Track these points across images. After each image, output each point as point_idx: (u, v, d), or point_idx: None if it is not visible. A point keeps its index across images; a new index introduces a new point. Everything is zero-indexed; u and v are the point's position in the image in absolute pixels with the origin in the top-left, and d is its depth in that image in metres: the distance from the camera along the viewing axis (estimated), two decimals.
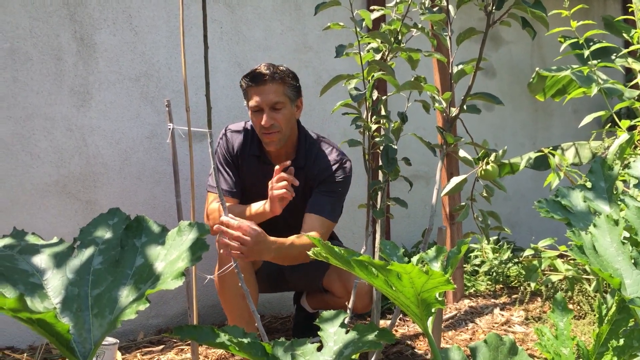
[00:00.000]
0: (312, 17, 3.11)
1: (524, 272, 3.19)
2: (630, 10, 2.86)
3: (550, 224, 3.86)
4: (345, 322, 1.17)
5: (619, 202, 1.32)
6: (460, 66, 1.80)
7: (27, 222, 2.47)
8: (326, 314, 1.19)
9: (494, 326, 2.76)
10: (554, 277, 2.84)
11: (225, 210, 1.78)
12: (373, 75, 1.77)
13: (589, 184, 1.39)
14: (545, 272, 2.93)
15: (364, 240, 1.92)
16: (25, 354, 2.38)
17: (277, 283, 2.48)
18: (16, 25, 2.46)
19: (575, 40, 2.73)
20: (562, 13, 2.60)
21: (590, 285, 2.77)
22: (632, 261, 1.08)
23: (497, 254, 3.37)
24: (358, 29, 1.71)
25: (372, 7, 1.86)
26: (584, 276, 2.83)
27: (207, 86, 1.61)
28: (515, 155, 3.41)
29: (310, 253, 1.11)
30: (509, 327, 2.76)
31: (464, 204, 1.89)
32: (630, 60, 2.97)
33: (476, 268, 3.43)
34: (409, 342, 2.56)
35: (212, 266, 2.26)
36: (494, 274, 3.32)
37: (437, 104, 1.85)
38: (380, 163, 1.84)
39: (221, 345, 1.04)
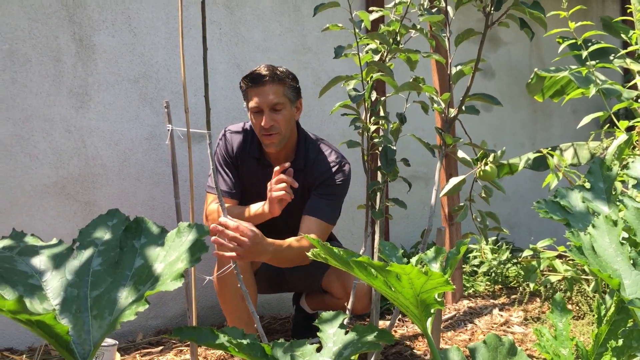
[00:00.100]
0: (311, 18, 3.11)
1: (523, 273, 3.19)
2: (628, 11, 2.87)
3: (549, 224, 3.87)
4: (345, 323, 1.17)
5: (618, 203, 1.32)
6: (459, 67, 1.80)
7: (26, 224, 2.47)
8: (325, 314, 1.19)
9: (493, 327, 2.76)
10: (553, 278, 2.84)
11: (224, 211, 1.78)
12: (372, 76, 1.77)
13: (587, 185, 1.39)
14: (544, 273, 2.93)
15: (363, 241, 1.92)
16: (24, 356, 2.38)
17: (276, 284, 2.48)
18: (15, 26, 2.46)
19: (574, 41, 2.73)
20: (561, 14, 2.61)
21: (589, 286, 2.78)
22: (631, 262, 1.08)
23: (496, 255, 3.37)
24: (357, 30, 1.71)
25: (370, 8, 1.86)
26: (583, 277, 2.83)
27: (206, 87, 1.61)
28: (515, 156, 3.41)
29: (309, 254, 1.11)
30: (508, 327, 2.76)
31: (462, 204, 1.90)
32: (628, 60, 2.97)
33: (475, 269, 3.44)
34: (408, 343, 2.56)
35: (211, 267, 2.26)
36: (493, 274, 3.32)
37: (435, 105, 1.86)
38: (379, 164, 1.84)
39: (220, 346, 1.04)
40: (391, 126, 1.90)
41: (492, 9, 1.70)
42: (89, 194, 2.61)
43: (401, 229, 3.56)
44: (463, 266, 3.33)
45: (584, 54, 2.67)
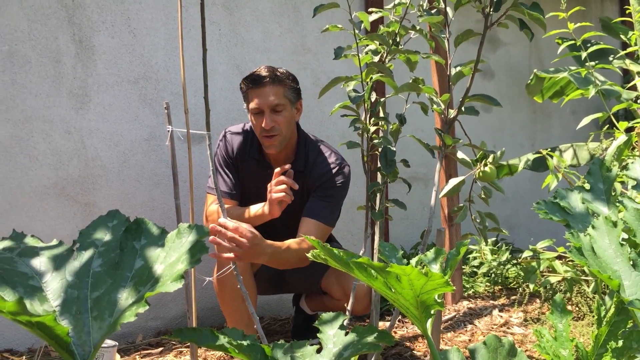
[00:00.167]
0: (311, 19, 3.11)
1: (522, 274, 3.19)
2: (627, 11, 2.87)
3: (548, 225, 3.87)
4: (345, 324, 1.17)
5: (618, 204, 1.32)
6: (459, 68, 1.80)
7: (26, 225, 2.47)
8: (325, 316, 1.19)
9: (492, 327, 2.76)
10: (553, 279, 2.84)
11: (224, 212, 1.79)
12: (371, 77, 1.77)
13: (587, 186, 1.39)
14: (544, 274, 2.93)
15: (363, 242, 1.93)
16: (24, 357, 2.38)
17: (276, 285, 2.48)
18: (14, 27, 2.46)
19: (573, 42, 2.73)
20: (560, 15, 2.61)
21: (588, 287, 2.78)
22: (631, 263, 1.08)
23: (496, 256, 3.37)
24: (356, 31, 1.72)
25: (370, 9, 1.87)
26: (583, 277, 2.83)
27: (205, 88, 1.61)
28: (514, 157, 3.41)
29: (309, 255, 1.11)
30: (508, 328, 2.76)
31: (462, 205, 1.90)
32: (627, 61, 2.98)
33: (475, 269, 3.44)
34: (408, 344, 2.56)
35: (211, 268, 2.26)
36: (493, 275, 3.32)
37: (435, 106, 1.86)
38: (379, 165, 1.84)
39: (220, 347, 1.04)
40: (391, 127, 1.90)
41: (492, 9, 1.70)
42: (88, 195, 2.61)
43: (401, 230, 3.56)
44: (463, 267, 3.33)
45: (584, 54, 2.67)
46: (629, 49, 2.82)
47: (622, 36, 3.60)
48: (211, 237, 1.78)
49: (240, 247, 1.79)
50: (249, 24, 3.00)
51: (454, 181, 1.84)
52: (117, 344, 2.20)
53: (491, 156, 1.85)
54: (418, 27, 1.80)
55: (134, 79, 2.70)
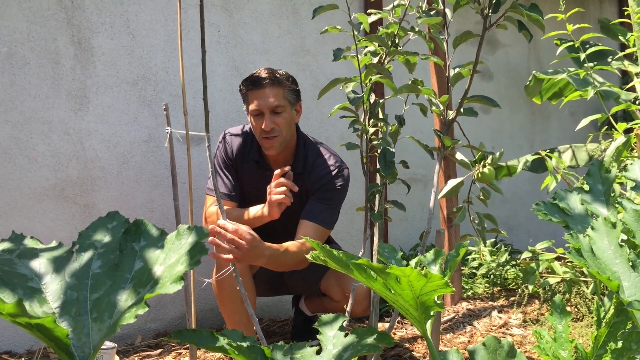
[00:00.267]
0: (310, 20, 3.12)
1: (521, 275, 3.19)
2: (626, 13, 2.87)
3: (547, 226, 3.87)
4: (344, 325, 1.17)
5: (617, 205, 1.32)
6: (457, 69, 1.81)
7: (25, 226, 2.47)
8: (325, 317, 1.19)
9: (492, 329, 2.76)
10: (552, 280, 2.85)
11: (223, 214, 1.79)
12: (370, 79, 1.77)
13: (586, 187, 1.39)
14: (543, 275, 2.93)
15: (362, 243, 1.93)
16: (23, 359, 2.37)
17: (275, 286, 2.48)
18: (14, 29, 2.46)
19: (572, 43, 2.74)
20: (558, 16, 2.61)
21: (587, 288, 2.78)
22: (630, 264, 1.08)
23: (495, 257, 3.37)
24: (356, 33, 1.72)
25: (369, 11, 1.87)
26: (582, 279, 2.83)
27: (204, 90, 1.61)
28: (513, 158, 3.42)
29: (308, 256, 1.11)
30: (507, 329, 2.76)
31: (460, 206, 1.90)
32: (626, 63, 2.98)
33: (474, 271, 3.44)
34: (407, 345, 2.56)
35: (210, 270, 2.26)
36: (492, 276, 3.33)
37: (434, 107, 1.86)
38: (378, 166, 1.84)
39: (220, 349, 1.04)
40: (390, 128, 1.90)
41: (490, 11, 1.71)
42: (87, 196, 2.61)
43: (400, 231, 3.56)
44: (462, 268, 3.33)
45: (582, 56, 2.67)
46: (628, 50, 2.83)
47: (620, 37, 3.61)
48: (210, 238, 1.78)
49: (240, 249, 1.79)
50: (248, 25, 3.00)
51: (452, 182, 1.84)
52: (117, 345, 2.20)
53: (490, 157, 1.85)
54: (417, 29, 1.81)
55: (133, 81, 2.70)
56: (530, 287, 2.93)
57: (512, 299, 3.14)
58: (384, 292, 1.03)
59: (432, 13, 1.80)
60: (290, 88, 2.20)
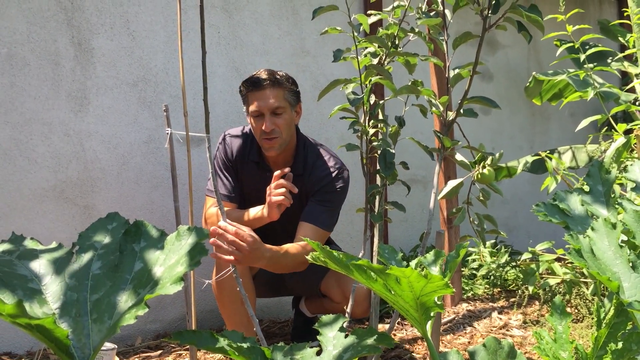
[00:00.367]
0: (310, 21, 3.12)
1: (521, 276, 3.19)
2: (625, 14, 2.88)
3: (547, 227, 3.87)
4: (344, 326, 1.17)
5: (617, 206, 1.32)
6: (457, 70, 1.81)
7: (25, 227, 2.47)
8: (325, 318, 1.19)
9: (492, 330, 2.76)
10: (552, 281, 2.85)
11: (224, 215, 1.78)
12: (370, 80, 1.77)
13: (586, 188, 1.39)
14: (543, 276, 2.93)
15: (362, 244, 1.93)
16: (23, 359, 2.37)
17: (275, 288, 2.48)
18: (13, 30, 2.46)
19: (572, 44, 2.74)
20: (558, 17, 2.61)
21: (588, 289, 2.78)
22: (630, 264, 1.08)
23: (495, 258, 3.37)
24: (355, 34, 1.72)
25: (369, 12, 1.87)
26: (582, 279, 2.83)
27: (204, 91, 1.61)
28: (513, 159, 3.42)
29: (309, 257, 1.11)
30: (507, 330, 2.76)
31: (460, 207, 1.90)
32: (626, 63, 2.98)
33: (474, 272, 3.44)
34: (407, 346, 2.56)
35: (210, 271, 2.26)
36: (492, 277, 3.32)
37: (434, 108, 1.86)
38: (378, 167, 1.84)
39: (220, 350, 1.04)
40: (390, 129, 1.91)
41: (490, 12, 1.71)
42: (87, 197, 2.61)
43: (400, 232, 3.56)
44: (462, 269, 3.33)
45: (582, 57, 2.67)
46: (627, 51, 2.83)
47: (620, 38, 3.61)
48: (211, 239, 1.78)
49: (241, 251, 1.79)
50: (248, 26, 3.00)
51: (452, 183, 1.84)
52: (117, 346, 2.20)
53: (490, 158, 1.85)
54: (417, 30, 1.81)
55: (133, 82, 2.70)
56: (531, 288, 2.93)
57: (512, 300, 3.14)
58: (384, 293, 1.03)
59: (431, 14, 1.80)
60: (291, 89, 2.20)
